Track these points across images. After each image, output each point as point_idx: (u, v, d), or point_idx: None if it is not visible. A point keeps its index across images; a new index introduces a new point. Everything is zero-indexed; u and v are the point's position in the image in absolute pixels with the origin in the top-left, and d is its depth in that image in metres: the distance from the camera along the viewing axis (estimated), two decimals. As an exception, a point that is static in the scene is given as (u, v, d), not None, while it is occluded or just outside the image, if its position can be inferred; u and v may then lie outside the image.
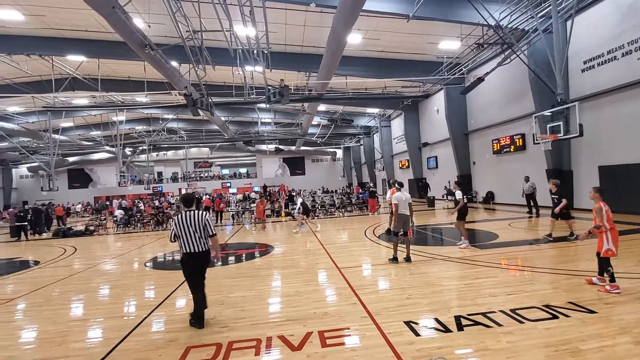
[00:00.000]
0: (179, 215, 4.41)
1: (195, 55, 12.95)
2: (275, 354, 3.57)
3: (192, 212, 4.42)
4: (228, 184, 43.49)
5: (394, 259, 7.05)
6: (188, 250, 4.32)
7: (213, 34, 12.53)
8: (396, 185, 7.43)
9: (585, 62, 12.46)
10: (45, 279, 7.72)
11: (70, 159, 38.17)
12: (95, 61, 17.21)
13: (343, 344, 3.69)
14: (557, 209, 8.24)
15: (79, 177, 43.26)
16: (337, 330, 4.01)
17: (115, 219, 18.25)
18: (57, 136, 24.24)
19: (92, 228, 17.30)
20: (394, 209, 7.18)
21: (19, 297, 6.44)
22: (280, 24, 14.38)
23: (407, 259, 7.03)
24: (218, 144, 36.36)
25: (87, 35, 15.67)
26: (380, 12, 12.56)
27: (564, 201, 8.20)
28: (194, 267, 4.38)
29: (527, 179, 13.24)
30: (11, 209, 23.97)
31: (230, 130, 30.31)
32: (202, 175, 45.68)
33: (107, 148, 31.37)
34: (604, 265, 4.76)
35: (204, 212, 4.49)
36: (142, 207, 21.90)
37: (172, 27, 11.67)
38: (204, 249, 4.37)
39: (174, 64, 15.49)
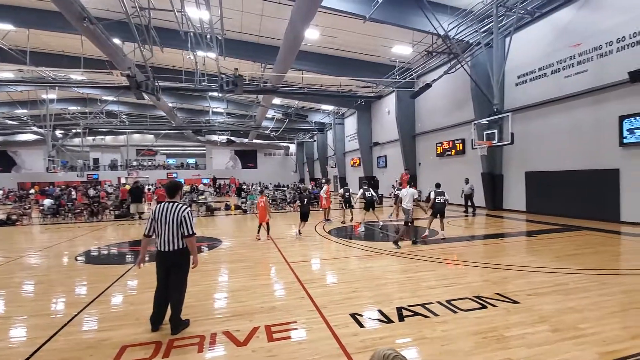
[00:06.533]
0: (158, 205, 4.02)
1: (141, 34, 11.99)
2: (220, 350, 3.47)
3: (171, 203, 3.99)
4: (174, 175, 41.23)
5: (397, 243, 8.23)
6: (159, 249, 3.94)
7: (162, 13, 11.72)
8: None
9: (519, 77, 13.71)
10: (-51, 275, 6.70)
11: (-12, 139, 33.53)
12: (25, 31, 15.22)
13: (289, 337, 3.71)
14: None
15: (1, 160, 38.21)
16: (284, 324, 4.01)
17: (42, 207, 16.41)
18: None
19: (14, 217, 15.38)
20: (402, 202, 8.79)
21: None
22: (236, 10, 13.87)
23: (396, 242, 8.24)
24: (164, 132, 34.19)
25: (15, 2, 13.80)
26: (339, 10, 12.64)
27: None
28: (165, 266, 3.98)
29: (467, 181, 14.24)
30: None
31: (178, 117, 28.67)
32: (145, 163, 42.76)
33: (35, 129, 28.01)
34: None
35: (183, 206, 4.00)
36: (74, 196, 19.95)
37: (116, 1, 10.70)
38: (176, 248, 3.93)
39: (117, 41, 14.21)
